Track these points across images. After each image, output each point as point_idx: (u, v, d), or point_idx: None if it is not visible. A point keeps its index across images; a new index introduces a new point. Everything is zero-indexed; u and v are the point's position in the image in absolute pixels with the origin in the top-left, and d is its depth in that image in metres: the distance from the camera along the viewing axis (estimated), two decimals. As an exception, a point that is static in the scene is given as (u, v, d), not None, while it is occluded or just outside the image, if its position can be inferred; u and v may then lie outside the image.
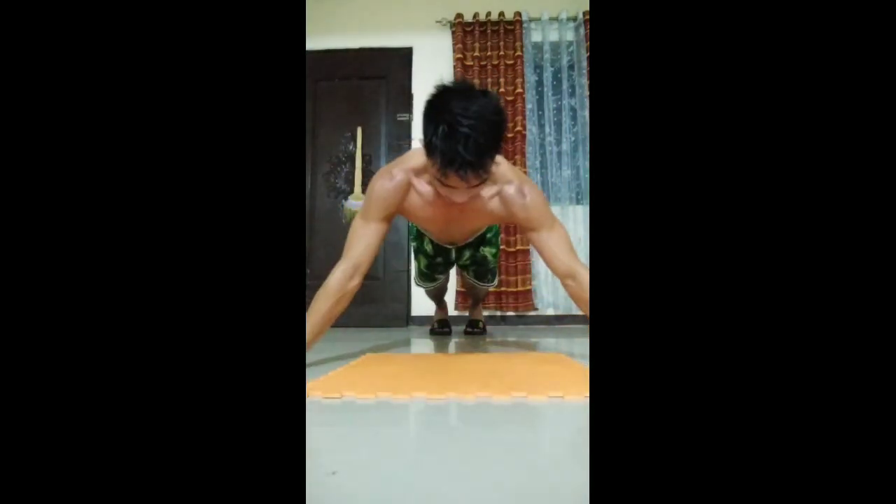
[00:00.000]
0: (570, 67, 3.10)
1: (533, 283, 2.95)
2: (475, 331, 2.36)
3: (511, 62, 3.05)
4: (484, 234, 1.82)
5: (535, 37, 3.11)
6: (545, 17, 3.09)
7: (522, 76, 3.02)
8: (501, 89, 3.00)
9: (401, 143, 3.10)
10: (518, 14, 3.09)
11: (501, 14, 3.08)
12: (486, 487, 0.47)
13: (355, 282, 1.27)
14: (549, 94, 3.06)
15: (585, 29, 3.04)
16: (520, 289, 2.92)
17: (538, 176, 3.00)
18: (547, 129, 3.03)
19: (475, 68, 3.04)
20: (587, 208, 2.93)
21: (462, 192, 1.19)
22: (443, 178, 1.15)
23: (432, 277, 2.02)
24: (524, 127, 2.98)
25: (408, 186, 1.34)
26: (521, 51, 3.05)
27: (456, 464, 0.55)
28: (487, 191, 1.32)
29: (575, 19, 3.10)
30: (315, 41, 3.09)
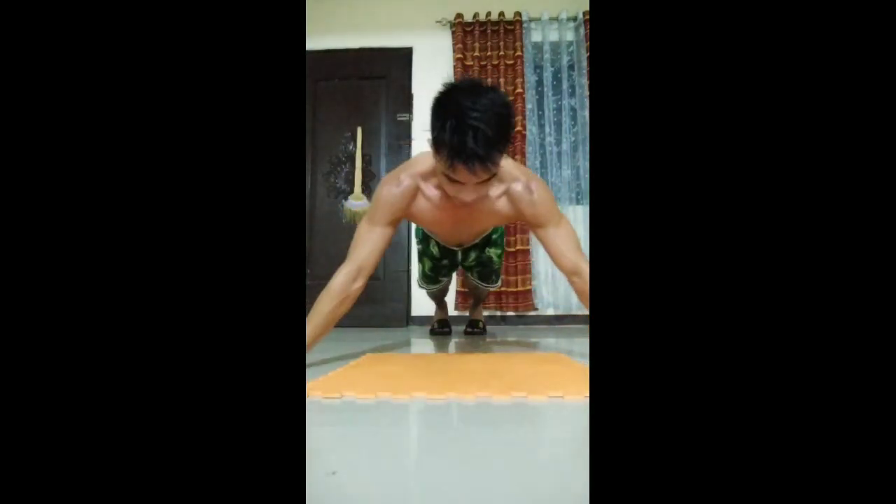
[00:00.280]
0: (570, 67, 3.10)
1: (533, 283, 2.95)
2: (475, 331, 2.36)
3: (511, 62, 3.06)
4: (490, 236, 1.82)
5: (535, 37, 3.11)
6: (545, 17, 3.09)
7: (522, 76, 3.02)
8: (501, 89, 3.00)
9: (401, 143, 3.10)
10: (518, 14, 3.09)
11: (501, 14, 3.09)
12: (486, 487, 0.47)
13: (358, 284, 1.27)
14: (549, 94, 3.06)
15: (585, 29, 3.05)
16: (520, 289, 2.92)
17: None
18: (547, 129, 3.03)
19: (475, 68, 3.04)
20: (587, 208, 2.94)
21: (470, 191, 1.17)
22: (451, 174, 1.12)
23: (436, 280, 2.02)
24: (524, 127, 2.98)
25: (415, 191, 1.34)
26: (521, 51, 3.05)
27: (456, 464, 0.55)
28: (495, 190, 1.32)
29: (575, 19, 3.10)
30: (315, 41, 3.09)
